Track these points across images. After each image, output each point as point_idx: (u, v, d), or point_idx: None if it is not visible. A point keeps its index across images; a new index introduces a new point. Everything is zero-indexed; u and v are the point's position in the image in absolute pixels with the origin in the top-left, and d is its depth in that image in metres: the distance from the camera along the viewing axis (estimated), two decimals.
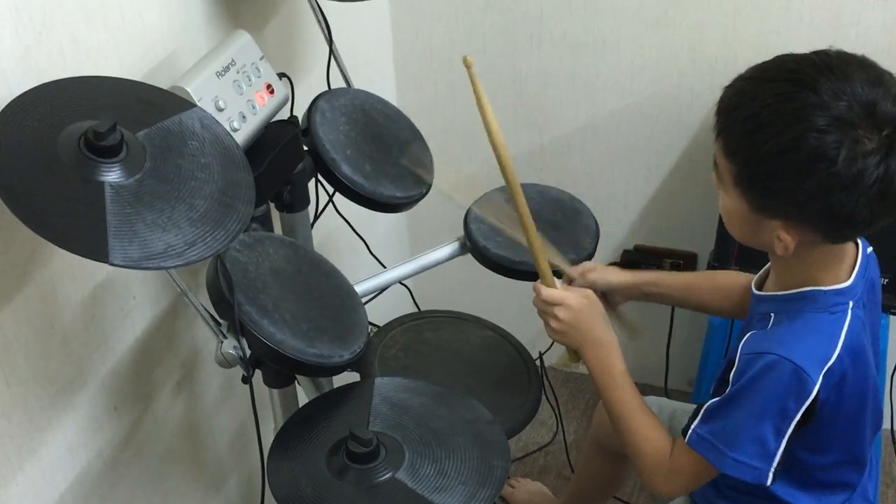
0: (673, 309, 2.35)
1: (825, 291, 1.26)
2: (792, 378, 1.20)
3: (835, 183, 1.12)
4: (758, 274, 1.41)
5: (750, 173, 1.19)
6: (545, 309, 1.43)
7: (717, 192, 1.30)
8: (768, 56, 1.96)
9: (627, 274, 1.60)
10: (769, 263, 1.38)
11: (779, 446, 1.23)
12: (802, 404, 1.21)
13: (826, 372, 1.21)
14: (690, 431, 1.29)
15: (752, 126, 1.16)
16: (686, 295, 1.63)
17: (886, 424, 2.25)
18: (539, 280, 1.45)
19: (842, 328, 1.25)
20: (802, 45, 1.98)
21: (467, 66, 1.32)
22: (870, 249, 1.33)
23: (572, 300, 1.41)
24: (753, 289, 1.38)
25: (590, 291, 1.45)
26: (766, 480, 1.24)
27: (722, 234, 2.04)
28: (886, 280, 1.96)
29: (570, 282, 1.56)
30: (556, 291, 1.43)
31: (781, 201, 1.18)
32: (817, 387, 1.21)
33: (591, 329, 1.41)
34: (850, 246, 1.30)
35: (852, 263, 1.29)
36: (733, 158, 1.20)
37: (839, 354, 1.23)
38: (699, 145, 2.16)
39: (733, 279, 1.59)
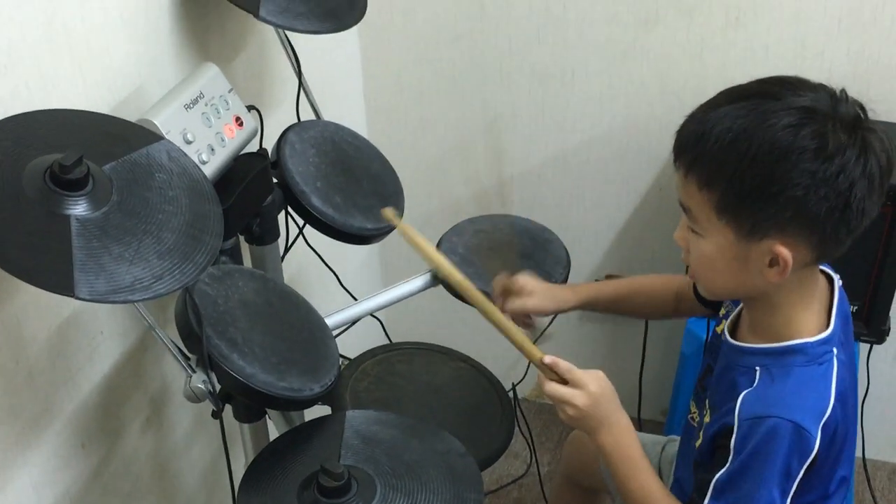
0: (645, 339, 2.36)
1: (812, 343, 1.24)
2: (794, 438, 1.19)
3: (829, 171, 1.12)
4: (729, 318, 1.37)
5: (736, 190, 1.16)
6: (563, 395, 1.30)
7: (684, 254, 1.28)
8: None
9: (571, 297, 1.58)
10: (740, 307, 1.36)
11: None
12: (805, 462, 1.20)
13: (823, 426, 1.20)
14: None
15: (727, 142, 1.14)
16: (617, 306, 1.64)
17: (858, 452, 2.27)
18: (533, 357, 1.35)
19: (832, 379, 1.23)
20: (768, 75, 2.00)
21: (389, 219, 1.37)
22: (840, 283, 1.32)
23: (593, 385, 1.30)
24: (728, 337, 1.34)
25: (601, 373, 1.33)
26: None
27: None
28: (855, 308, 1.98)
29: (502, 299, 1.53)
30: (578, 374, 1.31)
31: (777, 206, 1.14)
32: (818, 443, 1.19)
33: (610, 413, 1.31)
34: (823, 282, 1.30)
35: (828, 303, 1.28)
36: (713, 185, 1.17)
37: (833, 406, 1.21)
38: (668, 175, 2.17)
39: (661, 287, 1.60)
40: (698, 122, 1.19)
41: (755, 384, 1.24)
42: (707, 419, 1.33)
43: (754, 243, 1.19)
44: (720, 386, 1.32)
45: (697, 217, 1.22)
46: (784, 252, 1.17)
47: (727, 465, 1.22)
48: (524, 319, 1.55)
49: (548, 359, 1.31)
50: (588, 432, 1.33)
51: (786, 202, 1.14)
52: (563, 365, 1.31)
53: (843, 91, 1.18)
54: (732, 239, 1.19)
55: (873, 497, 2.28)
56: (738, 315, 1.36)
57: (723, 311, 1.43)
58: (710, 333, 1.45)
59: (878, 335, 2.02)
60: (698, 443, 1.33)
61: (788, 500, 1.21)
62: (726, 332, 1.35)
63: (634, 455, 1.32)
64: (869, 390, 2.20)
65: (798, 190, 1.13)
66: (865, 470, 2.25)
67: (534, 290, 1.54)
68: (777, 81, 1.18)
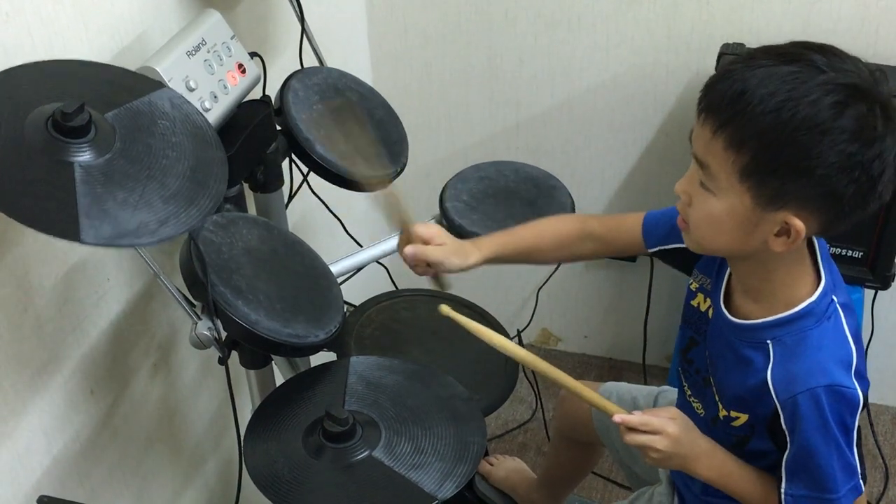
0: (650, 285, 2.36)
1: (815, 301, 1.23)
2: (837, 398, 1.20)
3: (866, 155, 1.10)
4: (717, 295, 1.34)
5: (769, 158, 1.12)
6: (642, 442, 1.28)
7: (682, 205, 1.25)
8: (743, 32, 1.97)
9: (477, 254, 1.48)
10: (725, 281, 1.33)
11: (855, 456, 1.24)
12: (857, 412, 1.22)
13: (854, 374, 1.22)
14: (784, 495, 1.27)
15: (769, 108, 1.10)
16: (526, 257, 1.57)
17: None
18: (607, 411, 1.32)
19: (843, 328, 1.24)
20: (776, 21, 1.99)
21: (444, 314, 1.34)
22: None
23: (670, 427, 1.28)
24: (728, 315, 1.31)
25: (674, 410, 1.33)
26: (863, 487, 1.26)
27: None
28: (861, 254, 1.98)
29: (406, 242, 1.46)
30: (654, 421, 1.28)
31: (806, 181, 1.12)
32: (859, 392, 1.21)
33: (693, 445, 1.30)
34: None
35: (811, 251, 1.27)
36: (744, 147, 1.13)
37: (855, 351, 1.23)
38: (675, 122, 2.16)
39: (562, 231, 1.54)
40: (737, 80, 1.13)
41: (772, 358, 1.24)
42: (717, 397, 1.33)
43: (770, 212, 1.16)
44: (724, 363, 1.31)
45: (716, 175, 1.17)
46: (798, 224, 1.15)
47: (788, 447, 1.24)
48: (426, 269, 1.48)
49: (617, 418, 1.29)
50: (680, 469, 1.33)
51: (818, 179, 1.11)
52: (635, 420, 1.28)
53: (880, 71, 1.15)
54: (749, 204, 1.16)
55: (876, 441, 2.29)
56: (727, 288, 1.33)
57: (695, 286, 1.39)
58: (685, 306, 1.42)
59: (884, 281, 2.01)
60: (722, 413, 1.32)
61: (856, 450, 1.24)
62: (723, 309, 1.32)
63: (730, 469, 1.32)
64: (873, 336, 2.20)
65: (832, 169, 1.11)
66: (868, 414, 2.26)
67: (443, 242, 1.47)
68: (818, 49, 1.14)
